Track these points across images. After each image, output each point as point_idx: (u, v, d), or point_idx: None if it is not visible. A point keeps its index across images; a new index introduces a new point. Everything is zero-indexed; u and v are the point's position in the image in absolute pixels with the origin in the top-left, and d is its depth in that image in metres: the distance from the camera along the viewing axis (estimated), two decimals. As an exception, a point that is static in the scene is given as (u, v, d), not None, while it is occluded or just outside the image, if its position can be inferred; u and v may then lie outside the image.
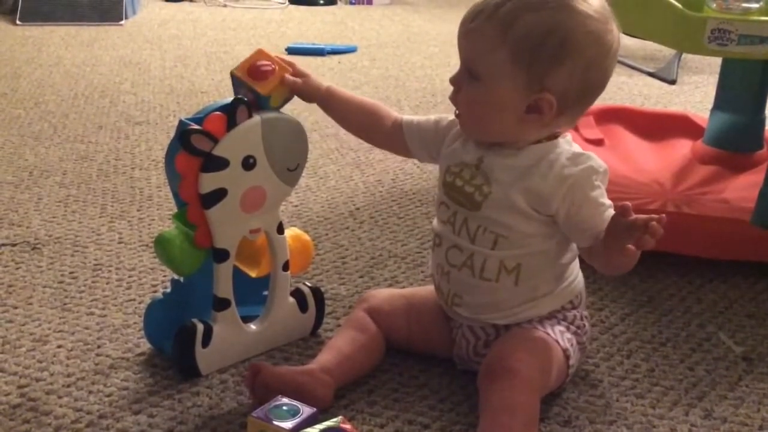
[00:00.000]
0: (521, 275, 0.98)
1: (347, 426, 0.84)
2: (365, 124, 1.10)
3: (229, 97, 0.99)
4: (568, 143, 0.98)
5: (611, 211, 0.93)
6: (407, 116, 1.09)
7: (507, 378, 0.91)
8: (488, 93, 0.94)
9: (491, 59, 0.93)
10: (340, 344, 1.02)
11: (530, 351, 0.95)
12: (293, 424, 0.85)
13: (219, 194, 0.98)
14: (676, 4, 1.24)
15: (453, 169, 1.01)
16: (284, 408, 0.87)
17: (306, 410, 0.87)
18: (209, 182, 0.97)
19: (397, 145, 1.10)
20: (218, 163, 0.96)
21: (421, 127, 1.07)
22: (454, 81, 0.98)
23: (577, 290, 1.03)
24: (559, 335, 0.99)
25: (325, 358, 1.00)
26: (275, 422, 0.85)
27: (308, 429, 0.84)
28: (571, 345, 1.00)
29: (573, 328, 1.01)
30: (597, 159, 0.96)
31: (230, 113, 0.97)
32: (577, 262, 1.03)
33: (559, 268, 1.00)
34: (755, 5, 1.31)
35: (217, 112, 0.97)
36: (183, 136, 0.95)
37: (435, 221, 1.05)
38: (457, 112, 1.00)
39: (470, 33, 0.95)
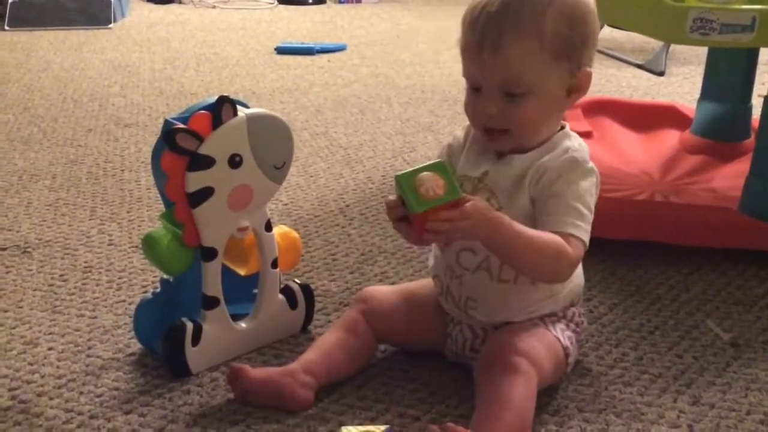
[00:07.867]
0: None
1: None
2: None
3: (215, 95, 0.99)
4: (574, 138, 1.00)
5: (586, 222, 0.93)
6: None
7: (507, 372, 0.90)
8: (539, 99, 0.94)
9: (535, 69, 0.93)
10: (326, 344, 1.01)
11: (531, 346, 0.94)
12: None
13: (206, 193, 0.98)
14: (659, -6, 1.25)
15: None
16: None
17: None
18: (196, 181, 0.97)
19: None
20: (204, 162, 0.97)
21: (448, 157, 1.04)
22: (492, 111, 0.94)
23: (581, 287, 1.04)
24: (560, 333, 0.99)
25: (309, 357, 0.99)
26: None
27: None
28: (571, 343, 1.00)
29: (572, 325, 1.02)
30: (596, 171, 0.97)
31: (215, 112, 0.97)
32: None
33: None
34: (736, -6, 1.31)
35: (203, 111, 0.97)
36: (168, 136, 0.95)
37: None
38: (489, 129, 0.97)
39: (505, 58, 0.92)
